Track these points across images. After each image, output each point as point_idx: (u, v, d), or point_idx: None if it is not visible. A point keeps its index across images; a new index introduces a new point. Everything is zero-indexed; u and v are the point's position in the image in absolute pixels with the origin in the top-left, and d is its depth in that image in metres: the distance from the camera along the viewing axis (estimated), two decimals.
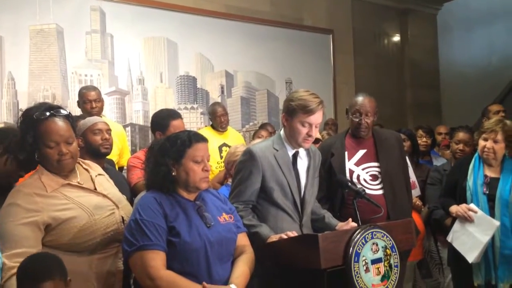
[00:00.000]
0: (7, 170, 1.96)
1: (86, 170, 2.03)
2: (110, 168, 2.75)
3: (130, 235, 1.79)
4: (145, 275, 1.74)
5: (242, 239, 2.02)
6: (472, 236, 2.82)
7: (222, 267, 1.88)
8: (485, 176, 2.91)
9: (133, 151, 4.28)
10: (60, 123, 1.86)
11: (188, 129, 4.91)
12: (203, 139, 1.94)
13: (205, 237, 1.83)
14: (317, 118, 2.26)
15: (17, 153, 1.90)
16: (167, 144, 1.91)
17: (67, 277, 1.64)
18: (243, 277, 1.88)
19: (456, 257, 2.94)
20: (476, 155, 3.01)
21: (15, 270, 1.65)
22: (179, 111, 4.95)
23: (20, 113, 1.94)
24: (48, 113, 1.84)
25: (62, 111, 1.90)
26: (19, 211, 1.74)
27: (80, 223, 1.81)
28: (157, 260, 1.75)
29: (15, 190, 1.82)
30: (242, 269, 1.91)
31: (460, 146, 3.52)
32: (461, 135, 3.55)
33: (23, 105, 4.19)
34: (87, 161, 2.11)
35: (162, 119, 3.05)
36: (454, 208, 2.92)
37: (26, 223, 1.73)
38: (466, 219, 2.84)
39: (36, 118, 1.83)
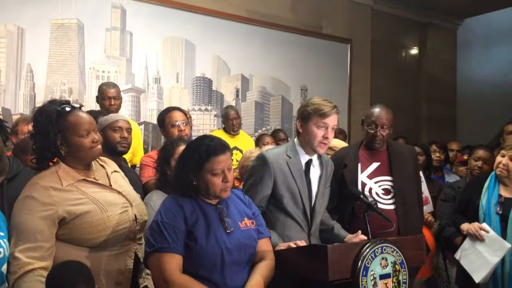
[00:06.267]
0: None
1: (102, 166, 2.03)
2: (124, 166, 2.74)
3: (150, 236, 1.81)
4: (160, 277, 1.77)
5: (263, 245, 1.99)
6: (481, 256, 2.78)
7: (239, 273, 1.87)
8: (500, 195, 2.85)
9: (145, 150, 4.29)
10: (84, 114, 1.90)
11: (201, 130, 5.00)
12: (223, 150, 1.87)
13: (223, 243, 1.82)
14: (332, 120, 2.26)
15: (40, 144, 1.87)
16: (187, 153, 1.90)
17: (94, 285, 1.66)
18: (257, 286, 1.85)
19: (464, 276, 2.89)
20: (492, 173, 2.95)
21: (30, 267, 1.67)
22: (193, 112, 5.02)
23: (36, 109, 1.91)
24: (69, 107, 1.86)
25: (75, 105, 1.92)
26: (35, 204, 1.74)
27: (93, 218, 1.81)
28: (172, 263, 1.76)
29: (32, 182, 1.82)
30: (257, 278, 1.88)
31: (479, 164, 3.41)
32: (480, 152, 3.45)
33: (40, 98, 4.24)
34: (103, 158, 2.10)
35: (161, 115, 3.21)
36: (465, 226, 2.89)
37: (41, 217, 1.74)
38: (477, 238, 2.80)
39: (61, 111, 1.84)
